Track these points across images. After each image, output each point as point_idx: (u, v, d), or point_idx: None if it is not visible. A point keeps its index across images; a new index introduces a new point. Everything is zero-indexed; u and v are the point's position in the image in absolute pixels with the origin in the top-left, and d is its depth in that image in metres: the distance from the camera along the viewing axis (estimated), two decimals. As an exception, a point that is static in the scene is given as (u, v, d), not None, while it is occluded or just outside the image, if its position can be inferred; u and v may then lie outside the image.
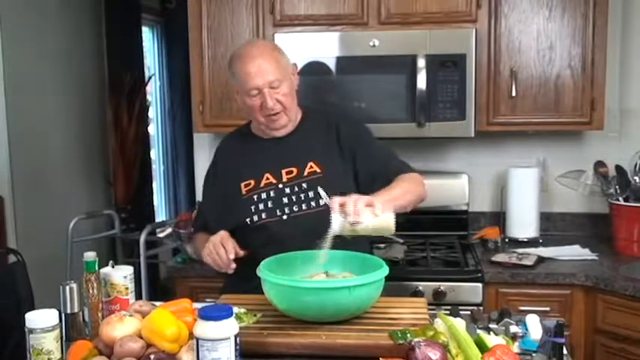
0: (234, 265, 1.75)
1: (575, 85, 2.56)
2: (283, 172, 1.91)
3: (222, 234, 1.80)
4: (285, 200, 1.87)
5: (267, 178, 1.91)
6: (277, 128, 1.92)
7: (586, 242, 2.68)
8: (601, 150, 2.79)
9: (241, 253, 1.77)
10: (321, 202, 1.79)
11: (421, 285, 2.35)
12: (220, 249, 1.75)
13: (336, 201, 1.57)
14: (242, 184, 1.93)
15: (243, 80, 1.85)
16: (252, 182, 1.92)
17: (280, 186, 1.89)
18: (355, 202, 1.55)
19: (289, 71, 1.92)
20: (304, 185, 1.87)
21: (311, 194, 1.85)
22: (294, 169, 1.90)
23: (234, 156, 2.03)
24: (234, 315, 1.26)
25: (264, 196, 1.89)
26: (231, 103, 2.62)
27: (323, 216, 1.63)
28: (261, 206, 1.88)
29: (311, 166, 1.90)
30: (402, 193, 1.77)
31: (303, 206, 1.86)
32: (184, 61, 3.17)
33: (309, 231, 1.66)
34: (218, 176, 2.04)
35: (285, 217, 1.86)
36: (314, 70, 2.57)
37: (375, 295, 1.54)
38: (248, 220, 1.88)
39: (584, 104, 2.56)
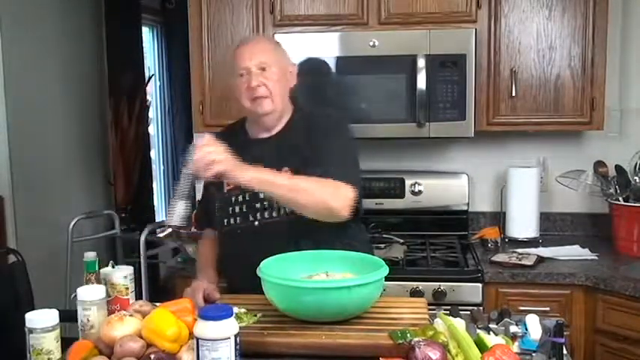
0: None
1: (575, 85, 2.56)
2: None
3: (194, 286, 1.82)
4: (258, 205, 1.86)
5: None
6: (262, 114, 1.88)
7: (586, 242, 2.68)
8: (601, 150, 2.79)
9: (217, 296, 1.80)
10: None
11: (421, 285, 2.35)
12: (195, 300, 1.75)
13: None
14: (225, 182, 1.92)
15: (236, 63, 1.87)
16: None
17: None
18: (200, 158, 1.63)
19: (285, 64, 1.91)
20: None
21: None
22: None
23: None
24: (234, 315, 1.26)
25: (240, 198, 1.89)
26: (231, 103, 2.62)
27: (294, 223, 1.67)
28: (237, 209, 1.90)
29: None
30: (292, 186, 1.67)
31: (274, 213, 1.84)
32: (184, 61, 3.16)
33: (279, 237, 1.66)
34: None
35: (257, 222, 1.86)
36: (314, 70, 2.57)
37: (375, 295, 1.54)
38: (225, 221, 1.92)
39: (584, 104, 2.56)
